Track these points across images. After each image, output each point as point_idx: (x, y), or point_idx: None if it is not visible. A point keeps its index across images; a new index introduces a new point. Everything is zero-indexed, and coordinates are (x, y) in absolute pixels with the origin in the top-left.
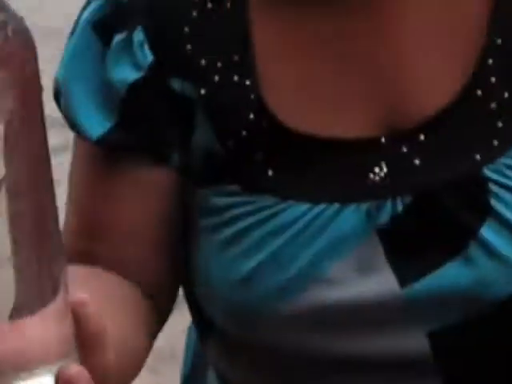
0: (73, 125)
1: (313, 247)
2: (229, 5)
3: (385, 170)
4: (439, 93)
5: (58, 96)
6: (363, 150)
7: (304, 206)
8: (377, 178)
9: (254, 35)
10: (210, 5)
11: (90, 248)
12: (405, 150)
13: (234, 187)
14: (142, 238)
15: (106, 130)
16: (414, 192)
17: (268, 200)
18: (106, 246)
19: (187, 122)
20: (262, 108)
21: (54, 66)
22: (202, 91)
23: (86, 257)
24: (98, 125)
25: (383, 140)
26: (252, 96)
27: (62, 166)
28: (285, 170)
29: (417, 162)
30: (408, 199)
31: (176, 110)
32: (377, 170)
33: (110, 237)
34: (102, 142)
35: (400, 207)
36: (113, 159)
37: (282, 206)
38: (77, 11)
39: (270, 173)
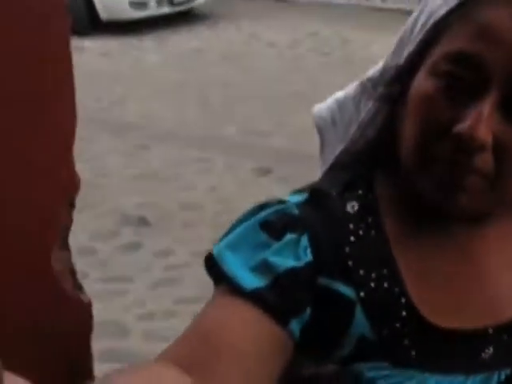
0: (224, 278)
1: None
2: (373, 232)
3: (491, 351)
4: None
5: (210, 260)
6: (477, 337)
7: (438, 377)
8: (486, 356)
9: (394, 253)
10: (361, 232)
11: (195, 355)
12: (505, 337)
13: (384, 364)
14: (241, 368)
15: (257, 287)
16: (511, 367)
17: (411, 373)
18: (210, 357)
19: (346, 315)
20: (411, 308)
21: (130, 160)
22: (362, 294)
23: (188, 360)
24: (251, 282)
25: (490, 331)
26: (403, 300)
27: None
28: (424, 351)
29: None
30: (508, 371)
31: (324, 303)
32: (486, 350)
33: (216, 352)
34: (252, 294)
35: (503, 377)
36: (249, 306)
37: (422, 377)
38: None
39: (413, 353)
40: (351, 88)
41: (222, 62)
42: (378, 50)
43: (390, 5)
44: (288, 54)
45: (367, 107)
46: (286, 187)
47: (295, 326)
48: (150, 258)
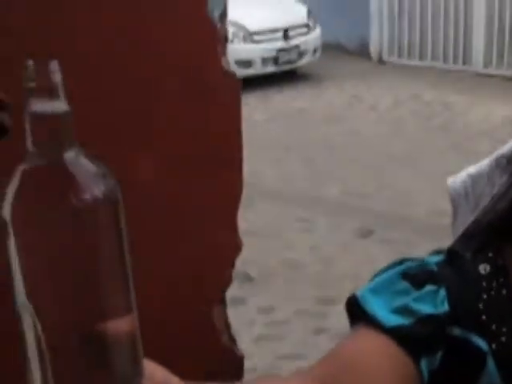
0: (364, 316)
1: None
2: (504, 291)
3: None
4: None
5: (352, 301)
6: None
7: None
8: None
9: None
10: (493, 291)
11: (330, 374)
12: None
13: None
14: None
15: (395, 324)
16: None
17: None
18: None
19: (479, 363)
20: None
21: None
22: (494, 346)
23: (323, 378)
24: (391, 320)
25: None
26: None
27: (238, 317)
28: None
29: None
30: None
31: (457, 351)
32: None
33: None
34: (390, 329)
35: None
36: (386, 339)
37: None
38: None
39: None
40: (484, 163)
41: (324, 123)
42: (478, 116)
43: (491, 71)
44: (389, 117)
45: (501, 181)
46: (387, 249)
47: (424, 365)
48: (253, 313)
